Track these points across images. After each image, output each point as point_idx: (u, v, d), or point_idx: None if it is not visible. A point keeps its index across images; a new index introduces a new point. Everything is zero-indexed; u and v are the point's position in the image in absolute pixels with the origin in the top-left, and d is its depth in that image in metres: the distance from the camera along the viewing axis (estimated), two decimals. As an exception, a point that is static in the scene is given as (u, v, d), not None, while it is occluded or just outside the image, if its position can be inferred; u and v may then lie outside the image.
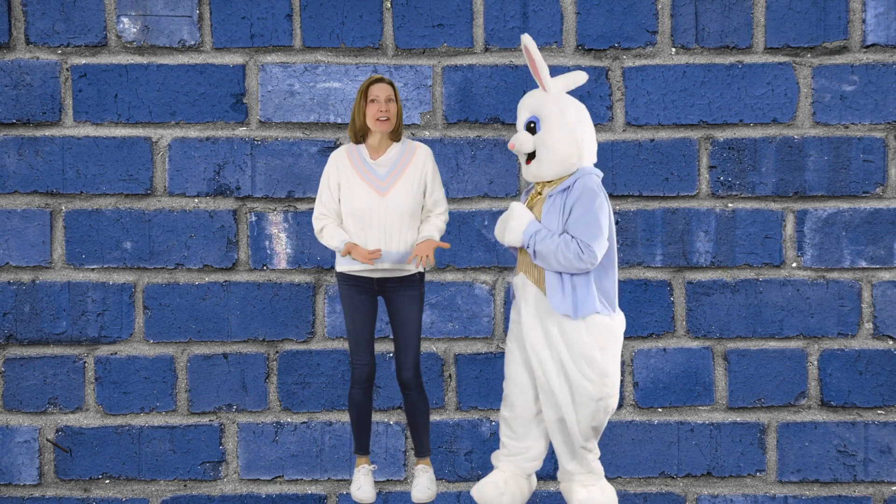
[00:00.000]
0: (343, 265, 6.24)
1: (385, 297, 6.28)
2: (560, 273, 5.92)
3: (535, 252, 5.91)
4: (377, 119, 6.17)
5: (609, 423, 6.56)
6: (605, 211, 5.94)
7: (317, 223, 6.26)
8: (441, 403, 7.48)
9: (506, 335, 6.32)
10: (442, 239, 6.25)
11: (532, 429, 6.12)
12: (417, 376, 6.30)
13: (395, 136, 6.26)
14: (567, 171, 5.99)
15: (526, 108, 6.07)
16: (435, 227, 6.24)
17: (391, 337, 6.61)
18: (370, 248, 6.15)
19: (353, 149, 6.25)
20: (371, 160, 6.21)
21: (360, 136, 6.26)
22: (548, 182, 6.03)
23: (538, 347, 5.96)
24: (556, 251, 5.87)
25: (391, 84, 6.22)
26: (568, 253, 5.85)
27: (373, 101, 6.17)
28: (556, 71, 6.20)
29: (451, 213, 7.39)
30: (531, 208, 6.06)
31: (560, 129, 5.97)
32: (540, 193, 6.06)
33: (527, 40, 6.01)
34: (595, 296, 5.93)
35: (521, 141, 6.02)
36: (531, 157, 6.03)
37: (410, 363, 6.27)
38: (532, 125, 6.03)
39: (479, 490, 6.16)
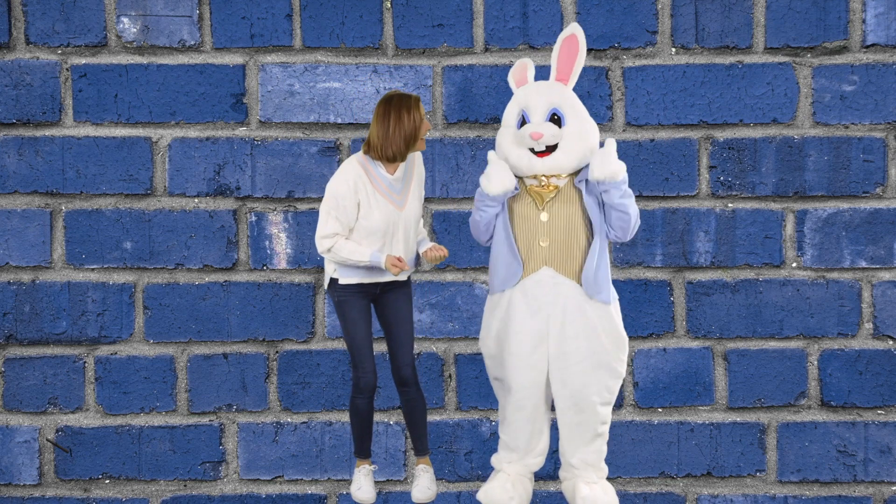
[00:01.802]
0: (352, 277, 6.16)
1: (379, 300, 6.24)
2: (594, 262, 5.92)
3: (625, 190, 5.93)
4: (423, 139, 6.13)
5: (609, 423, 6.56)
6: None
7: (326, 242, 6.06)
8: (441, 403, 7.48)
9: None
10: (440, 242, 6.27)
11: (539, 427, 6.11)
12: (415, 373, 6.28)
13: None
14: (585, 162, 5.99)
15: (544, 100, 5.97)
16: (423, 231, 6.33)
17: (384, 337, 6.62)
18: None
19: (367, 163, 6.11)
20: (389, 175, 6.10)
21: (404, 152, 6.11)
22: (560, 175, 5.97)
23: (575, 339, 5.92)
24: (636, 217, 6.00)
25: None
26: (637, 219, 6.01)
27: (423, 120, 6.10)
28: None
29: (450, 213, 7.41)
30: (543, 203, 5.98)
31: (588, 121, 6.00)
32: (544, 187, 5.98)
33: (578, 30, 5.97)
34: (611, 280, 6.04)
35: (552, 133, 5.93)
36: (550, 149, 5.96)
37: (408, 360, 6.24)
38: (557, 117, 5.98)
39: (486, 494, 6.12)
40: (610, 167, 5.88)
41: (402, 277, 6.20)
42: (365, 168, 6.08)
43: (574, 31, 5.99)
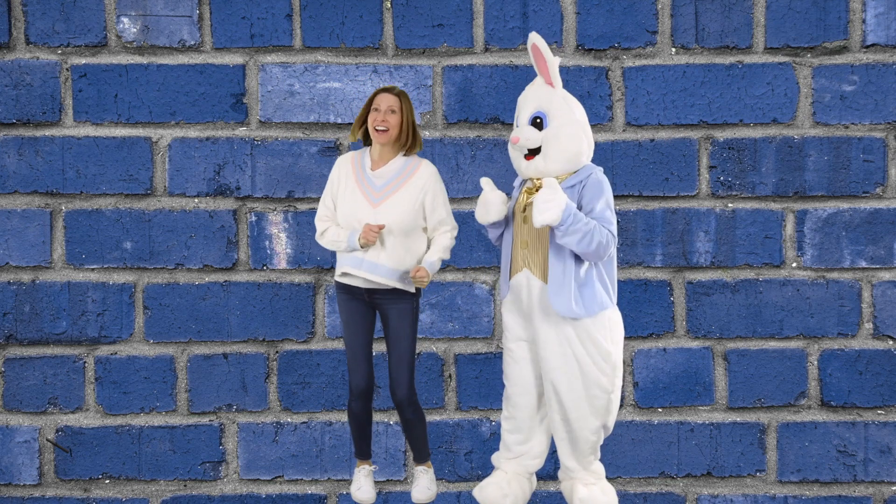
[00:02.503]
0: (337, 274, 6.19)
1: (378, 311, 6.23)
2: (563, 275, 5.87)
3: (567, 230, 5.75)
4: (374, 129, 6.05)
5: (609, 423, 6.57)
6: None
7: (319, 225, 6.17)
8: (441, 403, 7.48)
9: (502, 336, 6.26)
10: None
11: (536, 427, 6.12)
12: (411, 395, 6.19)
13: (404, 148, 6.12)
14: (573, 167, 5.96)
15: (532, 103, 5.98)
16: (439, 249, 6.13)
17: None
18: (361, 255, 6.10)
19: (359, 155, 6.17)
20: (370, 170, 6.12)
21: (366, 143, 6.19)
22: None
23: (551, 346, 5.91)
24: (592, 231, 5.77)
25: (399, 95, 6.09)
26: (601, 237, 5.79)
27: (375, 110, 6.06)
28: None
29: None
30: (525, 205, 5.98)
31: (571, 126, 5.95)
32: (531, 190, 5.99)
33: (535, 38, 5.95)
34: (601, 291, 5.93)
35: (526, 136, 5.93)
36: (534, 152, 5.97)
37: (404, 381, 6.16)
38: (539, 121, 5.97)
39: (481, 491, 6.14)
40: (543, 216, 5.75)
41: (387, 282, 6.11)
42: (353, 159, 6.17)
43: (533, 41, 5.96)
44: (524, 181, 6.08)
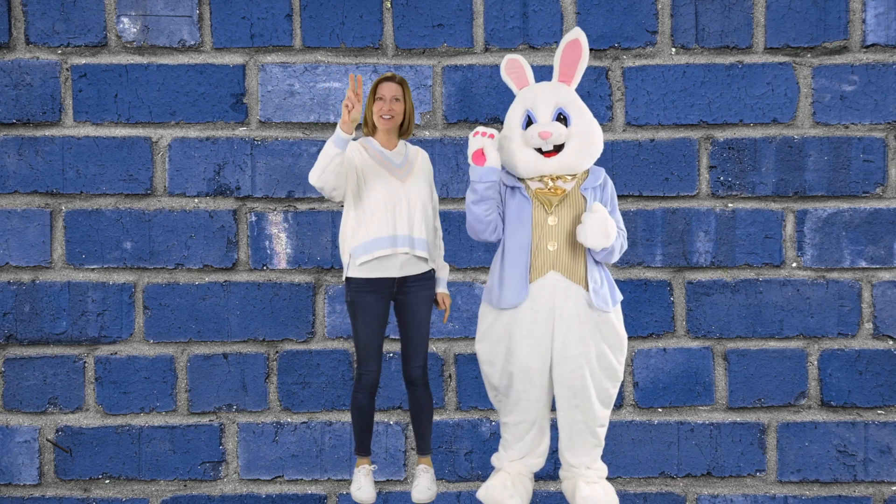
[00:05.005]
0: (364, 272, 6.17)
1: (399, 298, 6.24)
2: (597, 269, 5.96)
3: (612, 248, 5.96)
4: (381, 117, 6.19)
5: (609, 423, 6.56)
6: None
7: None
8: (441, 403, 7.49)
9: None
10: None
11: (542, 427, 6.12)
12: (425, 373, 6.31)
13: (403, 133, 6.30)
14: (590, 162, 6.01)
15: (551, 99, 5.98)
16: (445, 271, 6.37)
17: (393, 336, 6.62)
18: (398, 232, 6.15)
19: (365, 142, 6.25)
20: (388, 150, 6.24)
21: (371, 132, 6.28)
22: (564, 176, 5.98)
23: (573, 342, 5.92)
24: (622, 243, 6.03)
25: (401, 83, 6.22)
26: (623, 244, 6.03)
27: (380, 98, 6.19)
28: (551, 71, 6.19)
29: (451, 214, 7.41)
30: (551, 207, 5.97)
31: (593, 121, 6.01)
32: (551, 190, 5.98)
33: (581, 34, 5.99)
34: (614, 284, 6.06)
35: (559, 132, 5.94)
36: (557, 149, 5.97)
37: (420, 362, 6.27)
38: (563, 117, 5.99)
39: (487, 492, 6.13)
40: (599, 240, 5.87)
41: (424, 255, 6.20)
42: (363, 146, 6.23)
43: (577, 37, 6.00)
44: (524, 182, 6.04)
